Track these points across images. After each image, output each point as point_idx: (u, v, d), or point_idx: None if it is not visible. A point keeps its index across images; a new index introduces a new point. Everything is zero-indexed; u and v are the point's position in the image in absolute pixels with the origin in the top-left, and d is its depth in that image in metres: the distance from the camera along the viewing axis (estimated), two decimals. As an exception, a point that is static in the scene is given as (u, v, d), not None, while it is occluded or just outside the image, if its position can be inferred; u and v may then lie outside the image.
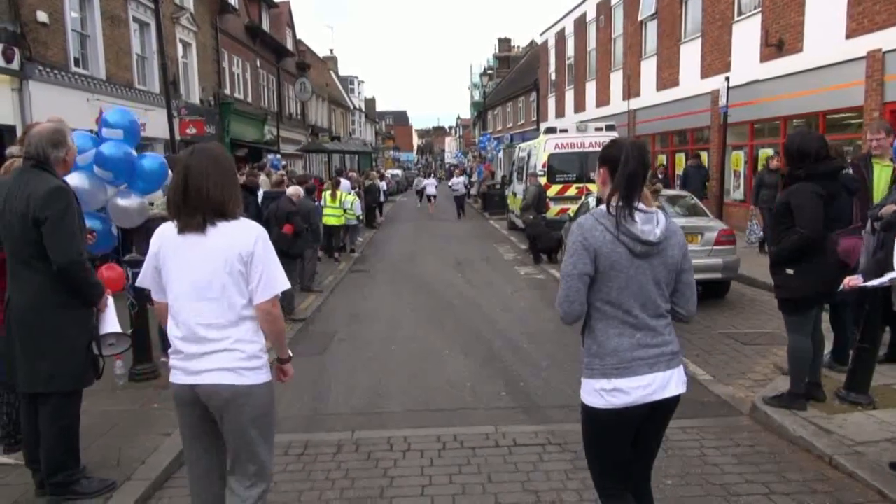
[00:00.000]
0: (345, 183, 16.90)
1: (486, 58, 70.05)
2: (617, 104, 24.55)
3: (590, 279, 2.61)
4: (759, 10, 15.74)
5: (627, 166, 2.59)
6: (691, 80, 19.01)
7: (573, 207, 13.74)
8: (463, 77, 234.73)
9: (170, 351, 2.88)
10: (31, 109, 12.48)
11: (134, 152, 5.43)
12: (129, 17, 17.41)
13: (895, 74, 11.75)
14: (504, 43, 65.41)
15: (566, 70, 31.37)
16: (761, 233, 12.20)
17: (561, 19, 32.14)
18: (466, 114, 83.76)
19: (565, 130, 16.81)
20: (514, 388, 6.13)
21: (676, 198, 10.53)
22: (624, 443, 2.72)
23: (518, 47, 64.28)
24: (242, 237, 2.77)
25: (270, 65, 32.13)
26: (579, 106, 29.18)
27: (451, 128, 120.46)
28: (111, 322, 3.97)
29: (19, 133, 8.17)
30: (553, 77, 33.75)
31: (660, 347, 2.65)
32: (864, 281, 4.50)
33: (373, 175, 26.23)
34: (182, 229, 2.76)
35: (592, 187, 14.98)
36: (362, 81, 69.98)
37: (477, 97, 65.91)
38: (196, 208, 2.73)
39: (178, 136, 15.76)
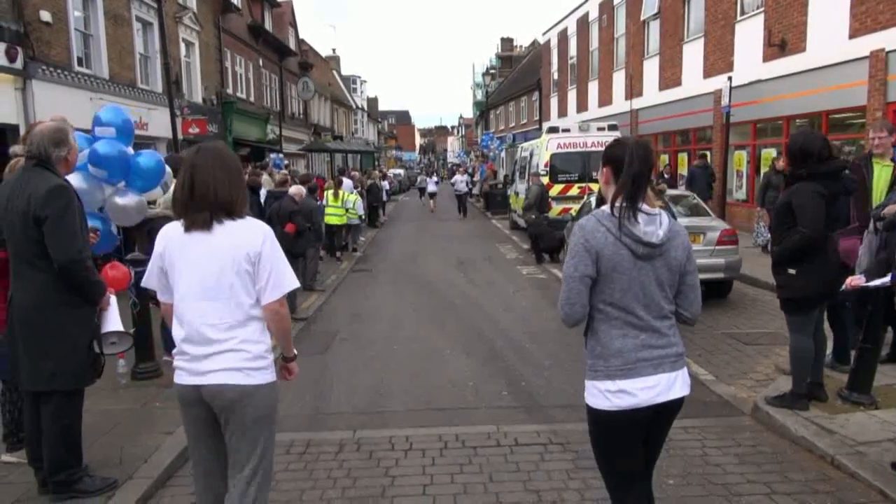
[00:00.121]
0: (347, 182, 16.93)
1: (489, 57, 70.21)
2: (619, 104, 24.53)
3: (592, 281, 2.59)
4: (762, 9, 15.72)
5: (632, 167, 2.56)
6: (694, 80, 18.99)
7: (575, 207, 13.73)
8: (465, 76, 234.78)
9: (174, 352, 2.86)
10: (34, 109, 12.50)
11: (129, 150, 5.39)
12: (132, 16, 17.43)
13: (898, 74, 11.74)
14: (506, 42, 65.37)
15: (568, 69, 31.35)
16: (768, 234, 12.19)
17: (563, 19, 32.12)
18: (469, 113, 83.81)
19: (567, 130, 16.80)
20: (515, 388, 6.14)
21: (679, 197, 10.52)
22: (633, 445, 2.70)
23: (520, 47, 64.23)
24: (250, 237, 2.77)
25: (273, 64, 32.15)
26: (582, 105, 29.17)
27: (453, 127, 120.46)
28: (113, 321, 3.98)
29: (22, 132, 8.19)
30: (555, 76, 33.74)
31: (664, 349, 2.62)
32: (867, 281, 4.50)
33: (375, 175, 26.25)
34: (189, 227, 2.75)
35: (594, 187, 14.97)
36: (365, 81, 70.05)
37: (479, 97, 65.88)
38: (203, 206, 2.72)
39: (180, 136, 15.77)
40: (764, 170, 16.08)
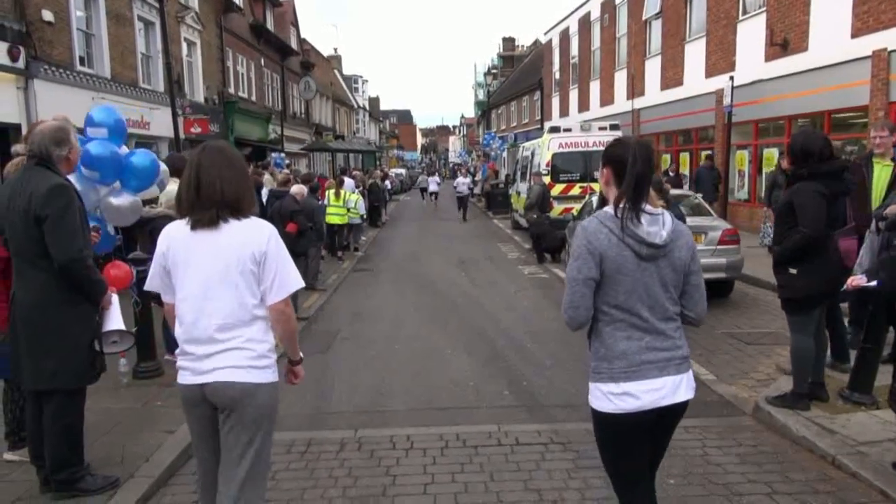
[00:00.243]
0: (349, 182, 16.93)
1: (491, 57, 70.23)
2: (621, 103, 24.53)
3: (596, 284, 2.56)
4: (764, 9, 15.70)
5: (635, 167, 2.52)
6: (696, 80, 18.97)
7: (577, 207, 13.72)
8: (467, 76, 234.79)
9: (177, 352, 2.86)
10: (36, 108, 12.53)
11: (123, 149, 5.35)
12: (134, 16, 17.45)
13: (900, 74, 11.73)
14: (508, 42, 65.37)
15: (570, 69, 31.33)
16: None
17: (565, 18, 32.10)
18: (470, 113, 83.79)
19: (569, 130, 16.79)
20: (516, 387, 6.14)
21: (680, 197, 10.50)
22: (638, 447, 2.68)
23: (522, 46, 64.22)
24: (255, 236, 2.76)
25: (275, 64, 32.17)
26: (583, 105, 29.16)
27: (455, 127, 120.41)
28: (115, 319, 3.98)
29: (24, 132, 8.20)
30: (557, 76, 33.72)
31: (669, 351, 2.60)
32: (868, 281, 4.49)
33: (376, 174, 26.24)
34: (195, 225, 2.74)
35: (596, 186, 14.96)
36: (366, 80, 70.16)
37: (481, 96, 65.87)
38: (209, 205, 2.71)
39: (182, 135, 15.80)
40: (766, 170, 16.08)
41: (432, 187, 31.78)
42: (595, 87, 27.82)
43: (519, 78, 47.56)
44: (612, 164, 2.63)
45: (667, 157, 20.69)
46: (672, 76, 20.65)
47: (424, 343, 7.84)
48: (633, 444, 2.66)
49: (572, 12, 30.73)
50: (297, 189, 10.03)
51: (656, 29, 21.90)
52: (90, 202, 5.05)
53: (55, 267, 3.64)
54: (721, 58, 17.63)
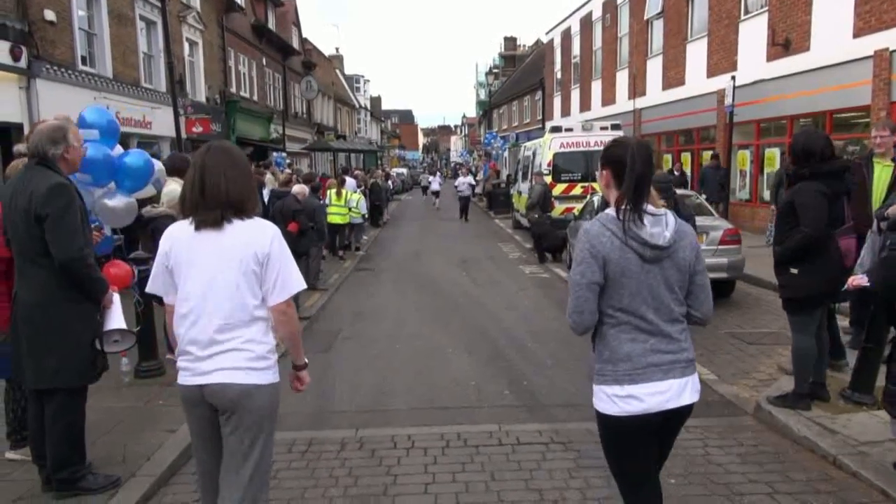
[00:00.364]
0: (350, 181, 16.93)
1: (492, 56, 70.16)
2: (622, 103, 24.52)
3: (600, 287, 2.54)
4: (766, 8, 15.69)
5: (635, 168, 2.50)
6: (697, 80, 18.96)
7: (578, 206, 13.72)
8: (468, 76, 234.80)
9: (177, 352, 2.85)
10: (38, 107, 12.54)
11: (116, 149, 5.32)
12: (136, 15, 17.48)
13: (902, 74, 11.72)
14: (510, 42, 65.32)
15: (572, 69, 31.32)
16: None
17: (567, 18, 32.09)
18: (472, 112, 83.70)
19: (570, 129, 16.79)
20: (518, 387, 6.14)
21: (682, 197, 10.49)
22: (643, 450, 2.66)
23: (524, 46, 64.18)
24: (258, 237, 2.76)
25: (276, 63, 32.18)
26: (585, 105, 29.14)
27: (456, 127, 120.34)
28: (116, 318, 3.99)
29: (26, 131, 8.22)
30: (559, 76, 33.71)
31: (675, 354, 2.58)
32: (869, 281, 4.49)
33: (377, 174, 26.23)
34: (199, 226, 2.74)
35: (597, 186, 14.96)
36: (368, 80, 70.06)
37: (482, 96, 65.78)
38: (214, 205, 2.71)
39: (184, 135, 15.81)
40: (767, 170, 16.07)
41: (434, 186, 32.43)
42: (597, 87, 27.81)
43: (520, 77, 47.54)
44: (612, 166, 2.60)
45: (668, 158, 20.69)
46: (674, 76, 20.63)
47: (426, 342, 7.84)
48: (638, 446, 2.65)
49: (574, 12, 30.72)
50: (299, 189, 10.05)
51: (658, 29, 21.88)
52: (86, 204, 5.04)
53: (56, 266, 3.65)
54: (723, 57, 17.62)
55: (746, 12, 16.77)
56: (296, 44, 36.21)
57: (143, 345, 5.87)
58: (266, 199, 10.95)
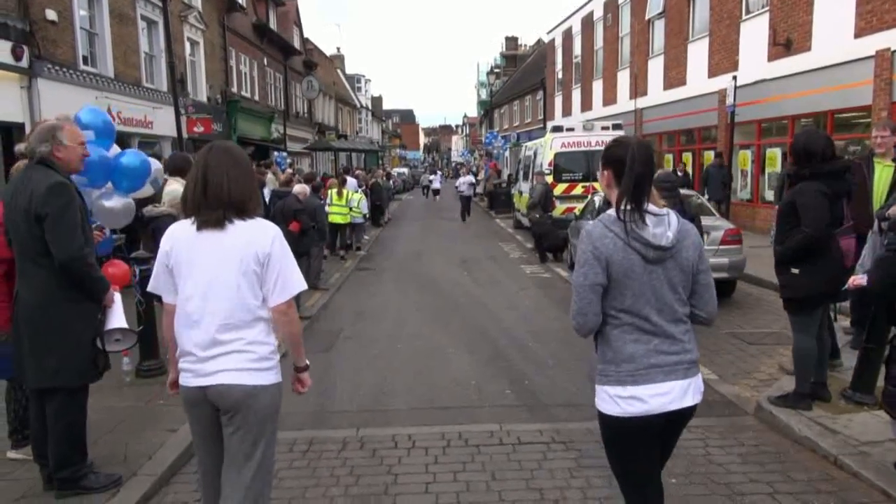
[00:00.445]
0: (351, 181, 16.93)
1: (493, 56, 70.08)
2: (624, 103, 24.51)
3: (603, 289, 2.53)
4: (767, 8, 15.68)
5: (634, 168, 2.49)
6: (699, 79, 18.95)
7: (579, 206, 13.72)
8: (470, 75, 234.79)
9: (178, 353, 2.84)
10: (39, 107, 12.56)
11: (113, 150, 5.31)
12: (137, 15, 17.49)
13: (904, 73, 11.71)
14: (511, 41, 65.29)
15: (573, 69, 31.32)
16: None
17: (568, 18, 32.08)
18: (473, 112, 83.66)
19: (572, 129, 16.79)
20: (518, 387, 6.14)
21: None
22: (646, 451, 2.65)
23: (525, 46, 64.17)
24: (259, 237, 2.75)
25: (278, 63, 32.20)
26: (586, 105, 29.13)
27: (457, 126, 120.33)
28: (118, 317, 3.99)
29: (28, 131, 8.22)
30: (560, 76, 33.70)
31: (678, 355, 2.57)
32: (868, 280, 4.48)
33: (378, 174, 26.22)
34: (201, 226, 2.73)
35: (598, 186, 14.94)
36: (369, 80, 70.05)
37: (484, 96, 65.78)
38: (216, 205, 2.71)
39: (185, 134, 15.83)
40: (769, 170, 16.08)
41: (435, 185, 33.33)
42: (598, 87, 27.80)
43: (522, 77, 47.53)
44: (613, 166, 2.59)
45: (669, 158, 20.69)
46: (675, 76, 20.63)
47: (427, 342, 7.84)
48: (640, 447, 2.64)
49: (575, 12, 30.71)
50: (300, 188, 10.04)
51: (659, 28, 21.87)
52: (87, 204, 5.04)
53: (56, 265, 3.65)
54: (724, 57, 17.61)
55: (748, 12, 16.76)
56: (297, 43, 36.23)
57: (144, 344, 5.88)
58: (267, 199, 10.95)
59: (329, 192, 14.61)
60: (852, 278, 4.64)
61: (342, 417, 5.48)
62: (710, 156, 17.84)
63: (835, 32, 13.28)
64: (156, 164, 5.99)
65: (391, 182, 32.31)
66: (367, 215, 17.80)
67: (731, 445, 4.67)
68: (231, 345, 2.73)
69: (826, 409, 4.95)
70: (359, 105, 60.78)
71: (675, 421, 2.63)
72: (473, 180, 28.57)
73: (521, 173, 20.12)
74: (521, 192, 19.59)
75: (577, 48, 30.60)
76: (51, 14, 13.30)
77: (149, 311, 5.98)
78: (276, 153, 25.20)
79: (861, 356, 5.08)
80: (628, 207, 2.50)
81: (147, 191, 5.96)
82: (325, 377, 6.49)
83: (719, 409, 5.38)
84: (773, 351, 6.82)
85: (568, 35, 32.06)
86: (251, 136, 25.79)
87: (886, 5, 12.00)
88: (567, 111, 31.88)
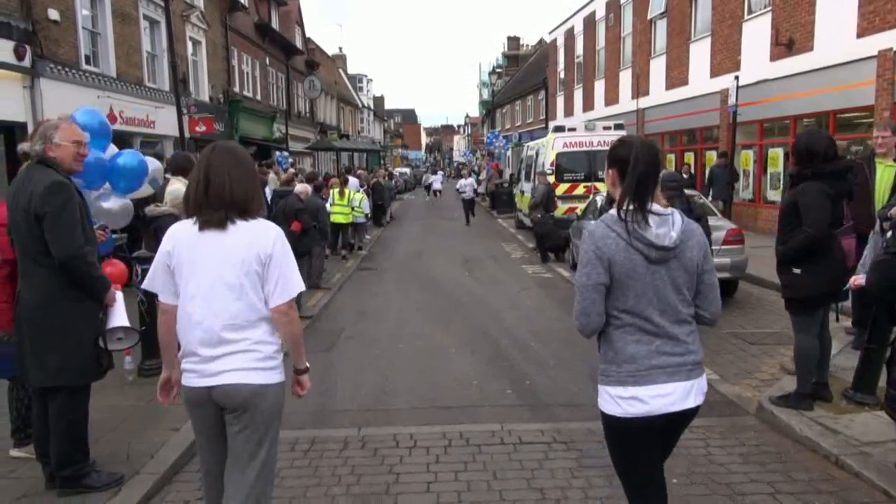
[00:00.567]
0: (353, 181, 16.93)
1: (495, 56, 70.06)
2: (626, 103, 24.50)
3: (606, 289, 2.52)
4: (770, 8, 15.67)
5: (637, 169, 2.48)
6: (701, 79, 18.94)
7: (581, 206, 13.73)
8: (472, 75, 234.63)
9: (180, 354, 2.84)
10: (42, 107, 12.57)
11: (111, 150, 5.31)
12: (140, 14, 17.51)
13: (906, 74, 11.69)
14: (513, 41, 65.29)
15: (575, 68, 31.31)
16: None
17: (570, 18, 32.08)
18: (475, 112, 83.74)
19: (574, 129, 16.80)
20: (520, 386, 6.14)
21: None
22: (648, 451, 2.65)
23: (527, 45, 64.15)
24: (261, 237, 2.75)
25: (280, 63, 32.21)
26: (588, 105, 29.12)
27: (459, 126, 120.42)
28: (119, 316, 4.00)
29: (30, 130, 8.23)
30: (562, 75, 33.69)
31: (682, 356, 2.56)
32: (867, 281, 4.48)
33: (380, 173, 26.22)
34: (203, 226, 2.73)
35: (600, 186, 14.97)
36: (371, 80, 70.12)
37: (486, 95, 65.89)
38: (218, 205, 2.71)
39: (187, 134, 15.85)
40: (770, 170, 16.06)
41: (436, 185, 33.91)
42: (600, 87, 27.79)
43: (524, 77, 47.52)
44: (617, 165, 2.59)
45: (671, 157, 20.67)
46: (677, 76, 20.61)
47: (428, 342, 7.85)
48: (642, 447, 2.64)
49: (577, 11, 30.70)
50: (302, 188, 10.06)
51: (661, 28, 21.86)
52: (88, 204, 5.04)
53: (56, 264, 3.66)
54: (726, 57, 17.60)
55: (750, 12, 16.74)
56: (299, 43, 36.24)
57: (146, 343, 5.88)
58: (269, 199, 10.96)
59: (331, 191, 14.62)
60: (853, 278, 4.64)
61: (344, 417, 5.49)
62: (711, 156, 17.82)
63: (837, 32, 13.27)
64: (154, 164, 5.98)
65: (393, 182, 32.35)
66: (369, 215, 17.81)
67: (733, 445, 4.67)
68: (237, 344, 2.73)
69: (827, 409, 4.94)
70: (361, 105, 60.80)
71: (675, 421, 2.64)
72: (475, 183, 27.61)
73: (523, 173, 20.13)
74: (522, 192, 19.59)
75: (579, 48, 30.59)
76: (53, 14, 13.32)
77: (151, 310, 5.98)
78: (277, 153, 25.23)
79: (862, 356, 5.08)
80: (631, 207, 2.50)
81: (146, 191, 5.95)
82: (326, 377, 6.49)
83: (720, 408, 5.38)
84: (775, 351, 6.82)
85: (570, 35, 32.05)
86: (253, 135, 25.80)
87: (889, 5, 11.99)
88: (569, 111, 31.88)
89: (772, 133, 16.39)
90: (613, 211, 2.58)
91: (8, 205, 3.82)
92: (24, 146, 4.04)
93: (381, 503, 4.02)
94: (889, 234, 4.44)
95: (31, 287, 3.76)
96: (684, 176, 16.44)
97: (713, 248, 8.81)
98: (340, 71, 54.66)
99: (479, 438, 4.89)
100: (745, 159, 17.26)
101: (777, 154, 15.85)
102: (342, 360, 7.20)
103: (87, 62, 14.98)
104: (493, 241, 18.29)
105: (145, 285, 2.93)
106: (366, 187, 19.16)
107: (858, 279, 4.59)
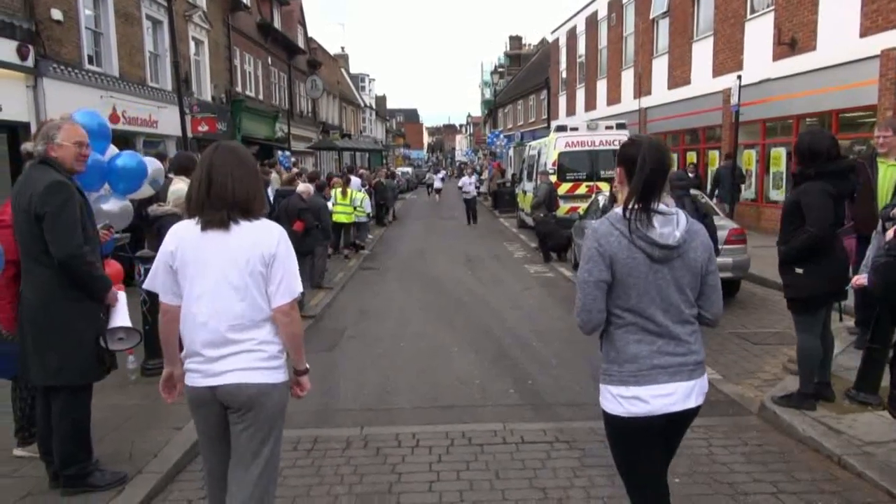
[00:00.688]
0: (355, 180, 16.95)
1: (497, 55, 69.96)
2: (628, 102, 24.48)
3: (607, 286, 2.52)
4: (772, 8, 15.65)
5: (644, 169, 2.49)
6: (703, 79, 18.92)
7: (583, 206, 13.73)
8: (474, 75, 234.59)
9: (183, 354, 2.84)
10: (45, 107, 12.59)
11: (110, 151, 5.31)
12: (143, 14, 17.53)
13: (909, 73, 11.67)
14: (515, 41, 65.28)
15: (577, 68, 31.30)
16: None
17: (572, 17, 32.07)
18: (477, 112, 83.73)
19: (576, 129, 16.79)
20: (522, 386, 6.15)
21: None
22: (649, 451, 2.65)
23: (529, 45, 64.14)
24: (265, 238, 2.75)
25: (282, 62, 32.23)
26: (590, 104, 29.11)
27: (461, 126, 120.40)
28: (121, 316, 4.01)
29: (33, 130, 8.24)
30: (564, 75, 33.68)
31: (683, 356, 2.56)
32: (868, 281, 4.48)
33: (381, 173, 26.23)
34: (205, 226, 2.73)
35: (602, 185, 14.99)
36: (373, 79, 70.08)
37: (488, 95, 65.82)
38: (220, 205, 2.70)
39: (190, 134, 15.85)
40: (773, 169, 16.04)
41: (437, 184, 34.26)
42: (602, 86, 27.77)
43: (526, 77, 47.51)
44: (625, 164, 2.60)
45: (674, 157, 20.64)
46: (679, 75, 20.60)
47: (430, 341, 7.85)
48: (643, 447, 2.64)
49: (579, 11, 30.69)
50: (304, 188, 10.06)
51: (663, 28, 21.84)
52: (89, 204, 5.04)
53: (56, 264, 3.67)
54: (729, 57, 17.58)
55: (752, 11, 16.73)
56: (301, 43, 36.26)
57: (149, 342, 5.89)
58: (271, 199, 10.96)
59: (333, 191, 14.63)
60: (856, 278, 4.64)
61: (346, 416, 5.50)
62: (714, 155, 17.80)
63: (840, 32, 13.25)
64: (154, 165, 5.98)
65: (395, 181, 32.37)
66: (371, 214, 17.81)
67: (735, 445, 4.67)
68: (243, 344, 2.74)
69: (830, 409, 4.94)
70: (363, 104, 60.81)
71: (676, 421, 2.64)
72: (477, 182, 27.40)
73: (525, 173, 20.13)
74: (525, 192, 19.60)
75: (581, 48, 30.58)
76: (56, 14, 13.33)
77: (153, 309, 5.99)
78: (280, 153, 25.23)
79: (865, 356, 5.07)
80: (635, 207, 2.50)
81: (146, 191, 5.96)
82: (329, 376, 6.50)
83: (723, 408, 5.38)
84: (777, 351, 6.81)
85: (572, 34, 32.03)
86: (255, 135, 25.82)
87: (892, 5, 11.97)
88: (571, 111, 31.87)
89: (774, 133, 16.37)
90: (618, 209, 2.58)
91: (12, 205, 3.83)
92: (27, 146, 4.06)
93: (383, 502, 4.03)
94: (890, 234, 4.45)
95: (32, 287, 3.78)
96: (690, 175, 16.41)
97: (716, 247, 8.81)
98: (342, 70, 54.66)
99: (481, 438, 4.90)
100: (748, 159, 17.23)
101: (780, 154, 15.84)
102: (344, 359, 7.21)
103: (90, 62, 15.00)
104: (496, 241, 18.29)
105: (146, 285, 2.94)
106: (367, 187, 19.17)
107: (861, 279, 4.58)
